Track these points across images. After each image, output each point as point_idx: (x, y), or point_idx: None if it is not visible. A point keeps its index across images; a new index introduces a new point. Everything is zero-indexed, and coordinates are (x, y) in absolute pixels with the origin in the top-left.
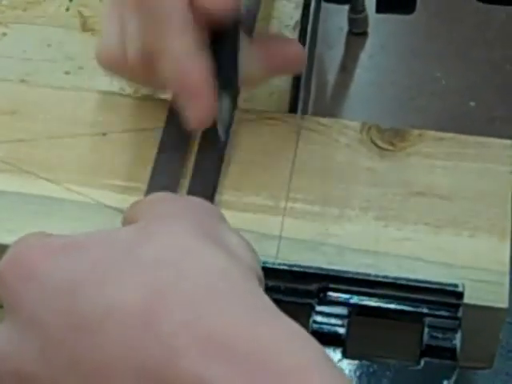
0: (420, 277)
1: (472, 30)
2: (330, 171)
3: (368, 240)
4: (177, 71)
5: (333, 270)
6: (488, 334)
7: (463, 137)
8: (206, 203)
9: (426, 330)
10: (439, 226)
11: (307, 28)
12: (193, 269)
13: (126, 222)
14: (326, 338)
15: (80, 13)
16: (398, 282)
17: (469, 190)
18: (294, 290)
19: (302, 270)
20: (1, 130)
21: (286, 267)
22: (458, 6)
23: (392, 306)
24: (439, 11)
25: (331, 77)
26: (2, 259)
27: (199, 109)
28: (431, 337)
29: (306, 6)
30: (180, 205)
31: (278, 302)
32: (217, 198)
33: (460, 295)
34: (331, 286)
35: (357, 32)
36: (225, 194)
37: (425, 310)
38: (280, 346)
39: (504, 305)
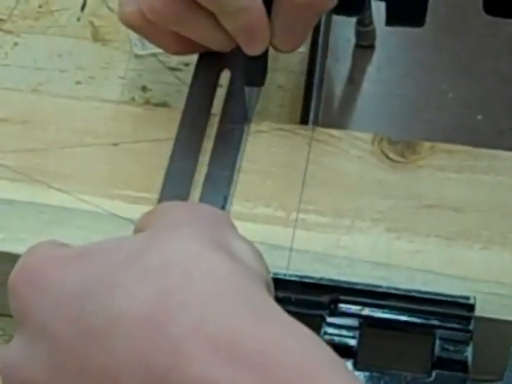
0: (432, 289)
1: (479, 43)
2: (341, 183)
3: (379, 252)
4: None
5: (344, 282)
6: (499, 346)
7: (475, 150)
8: (215, 210)
9: (438, 342)
10: (451, 239)
11: (318, 40)
12: (200, 273)
13: (137, 230)
14: (337, 350)
15: (91, 23)
16: (410, 294)
17: (481, 202)
18: (305, 301)
19: (313, 281)
20: (12, 140)
21: (297, 278)
22: (465, 19)
23: (403, 317)
24: (446, 24)
25: (338, 89)
26: (13, 269)
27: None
28: (442, 349)
29: None
30: (189, 212)
31: (289, 314)
32: (228, 208)
33: (471, 308)
34: (342, 297)
35: (364, 45)
36: (235, 205)
37: (436, 323)
38: (287, 347)
39: None
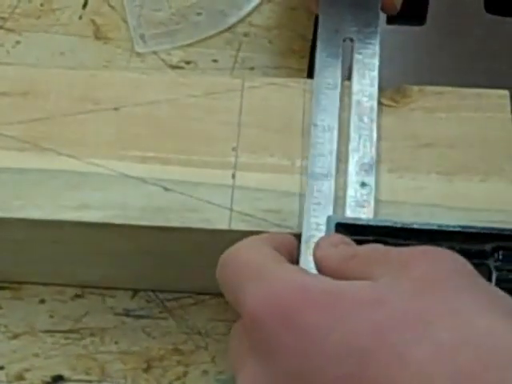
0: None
1: (479, 43)
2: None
3: (385, 191)
4: None
5: (506, 230)
6: None
7: (462, 90)
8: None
9: None
10: (451, 174)
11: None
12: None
13: (349, 273)
14: None
15: (93, 21)
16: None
17: (474, 138)
18: (468, 251)
19: (475, 231)
20: (15, 111)
21: (459, 229)
22: (465, 18)
23: None
24: (446, 24)
25: None
26: (252, 294)
27: None
28: None
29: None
30: (440, 264)
31: None
32: (233, 160)
33: None
34: (502, 244)
35: None
36: (241, 157)
37: None
38: None
39: None
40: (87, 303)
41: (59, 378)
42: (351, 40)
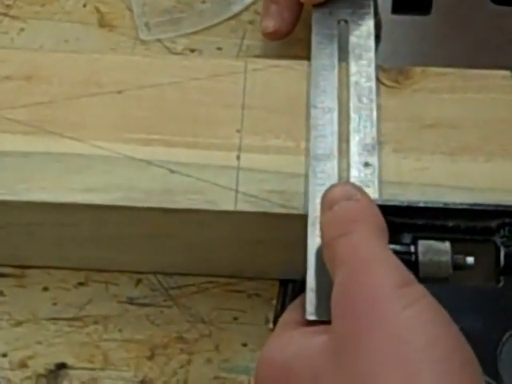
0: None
1: (484, 35)
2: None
3: (390, 171)
4: None
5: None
6: None
7: (465, 71)
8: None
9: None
10: (455, 154)
11: None
12: None
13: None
14: None
15: (97, 9)
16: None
17: (477, 118)
18: (473, 228)
19: (481, 208)
20: (19, 95)
21: (467, 206)
22: (470, 10)
23: None
24: (451, 15)
25: None
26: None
27: None
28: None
29: None
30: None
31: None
32: (238, 142)
33: None
34: (508, 220)
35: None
36: (246, 139)
37: None
38: None
39: None
40: (91, 291)
41: (62, 365)
42: (346, 21)
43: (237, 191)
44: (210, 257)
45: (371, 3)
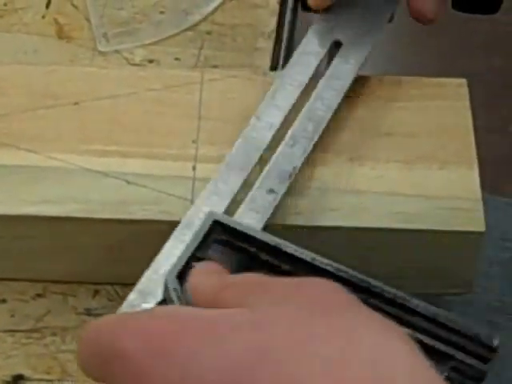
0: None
1: (456, 41)
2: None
3: (345, 180)
4: None
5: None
6: (468, 258)
7: (420, 78)
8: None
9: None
10: (410, 162)
11: (282, 36)
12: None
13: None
14: None
15: (56, 20)
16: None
17: (432, 126)
18: None
19: (346, 276)
20: None
21: (332, 269)
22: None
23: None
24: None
25: None
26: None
27: None
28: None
29: (282, 15)
30: (325, 291)
31: None
32: (194, 152)
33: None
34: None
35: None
36: (201, 149)
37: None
38: None
39: (481, 229)
40: (48, 302)
41: (19, 377)
42: (339, 44)
43: (192, 201)
44: None
45: (372, 33)
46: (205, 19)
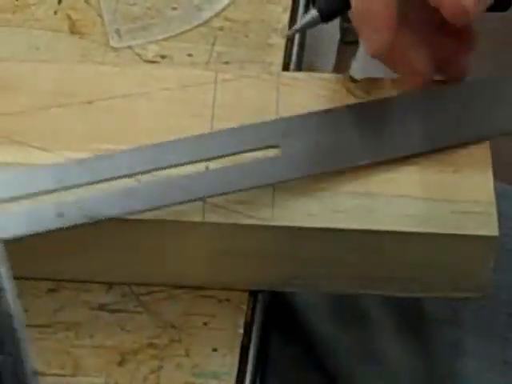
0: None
1: None
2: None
3: (358, 182)
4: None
5: None
6: (481, 262)
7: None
8: None
9: None
10: (422, 165)
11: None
12: None
13: None
14: None
15: (68, 16)
16: None
17: None
18: None
19: None
20: None
21: None
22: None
23: None
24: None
25: None
26: None
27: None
28: None
29: (294, 10)
30: None
31: None
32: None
33: None
34: None
35: (349, 41)
36: None
37: None
38: None
39: (495, 233)
40: (62, 297)
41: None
42: None
43: (205, 202)
44: (179, 268)
45: None
46: (217, 15)
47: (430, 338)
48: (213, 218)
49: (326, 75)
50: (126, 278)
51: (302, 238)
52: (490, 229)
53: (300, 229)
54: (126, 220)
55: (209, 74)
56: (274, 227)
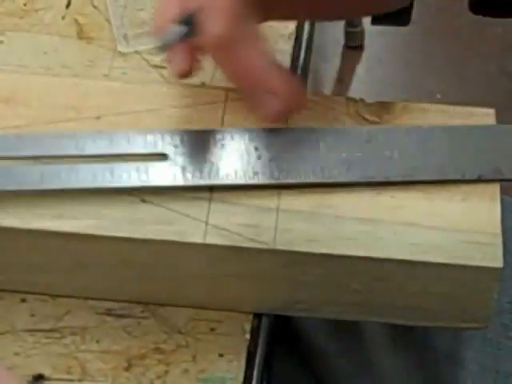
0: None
1: (468, 44)
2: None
3: (363, 208)
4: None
5: None
6: (484, 293)
7: (448, 107)
8: None
9: None
10: (431, 193)
11: (302, 38)
12: None
13: None
14: None
15: (76, 21)
16: None
17: None
18: None
19: None
20: None
21: None
22: (454, 19)
23: None
24: (435, 25)
25: (327, 89)
26: None
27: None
28: None
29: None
30: None
31: None
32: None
33: None
34: None
35: (353, 45)
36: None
37: None
38: None
39: (499, 265)
40: (69, 302)
41: (40, 376)
42: None
43: (207, 223)
44: (180, 288)
45: None
46: None
47: (424, 350)
48: (214, 239)
49: (337, 98)
50: (126, 296)
51: (303, 263)
52: (495, 260)
53: (302, 254)
54: (127, 239)
55: (218, 93)
56: (276, 251)
